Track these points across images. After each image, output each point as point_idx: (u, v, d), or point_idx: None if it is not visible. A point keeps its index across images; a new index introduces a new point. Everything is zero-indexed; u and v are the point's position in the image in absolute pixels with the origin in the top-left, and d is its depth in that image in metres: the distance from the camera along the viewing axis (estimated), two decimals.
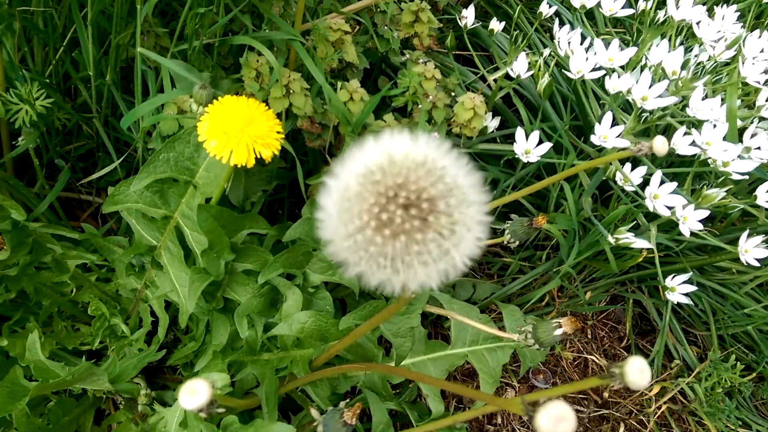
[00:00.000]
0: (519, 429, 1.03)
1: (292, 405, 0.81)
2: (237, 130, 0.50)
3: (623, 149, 0.61)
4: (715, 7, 0.92)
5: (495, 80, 0.93)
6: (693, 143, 0.71)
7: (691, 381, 1.00)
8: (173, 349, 0.82)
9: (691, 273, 0.81)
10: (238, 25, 0.86)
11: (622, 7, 0.83)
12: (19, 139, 0.74)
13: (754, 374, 1.06)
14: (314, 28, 0.82)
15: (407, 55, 0.95)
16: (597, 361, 1.10)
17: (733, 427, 0.99)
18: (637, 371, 0.37)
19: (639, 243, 0.73)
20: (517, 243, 0.73)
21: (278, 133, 0.53)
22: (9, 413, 0.54)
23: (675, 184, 0.71)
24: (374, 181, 0.28)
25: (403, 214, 0.27)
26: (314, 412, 0.53)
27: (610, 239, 0.74)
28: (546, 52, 0.84)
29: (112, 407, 0.75)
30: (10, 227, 0.68)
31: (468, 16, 0.89)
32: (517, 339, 0.66)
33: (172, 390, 0.84)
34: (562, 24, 0.89)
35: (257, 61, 0.79)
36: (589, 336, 1.14)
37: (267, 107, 0.53)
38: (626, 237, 0.73)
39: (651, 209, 0.68)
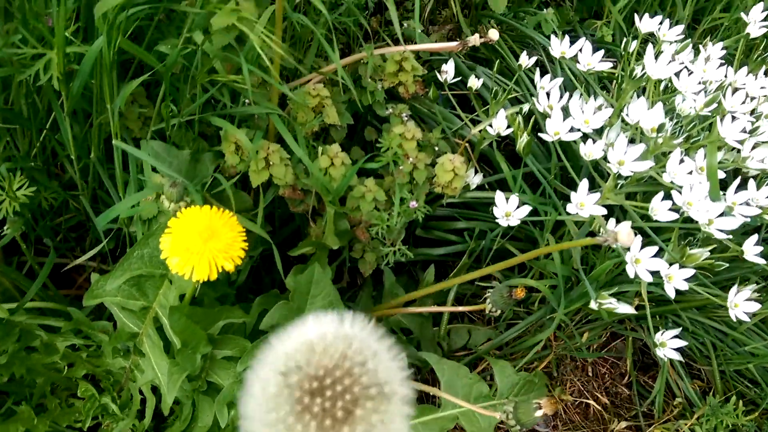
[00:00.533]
0: None
1: None
2: (198, 246, 0.50)
3: (598, 230, 0.61)
4: (700, 46, 0.91)
5: (480, 131, 0.92)
6: (673, 206, 0.70)
7: (693, 424, 0.99)
8: (163, 426, 0.84)
9: (680, 328, 0.79)
10: (219, 95, 0.87)
11: (601, 60, 0.82)
12: (5, 227, 0.76)
13: (759, 410, 1.04)
14: (291, 99, 0.82)
15: (390, 110, 0.95)
16: (599, 399, 1.09)
17: None
18: (626, 234, 0.48)
19: (622, 308, 0.73)
20: (498, 312, 0.73)
21: (243, 241, 0.53)
22: None
23: (656, 248, 0.70)
24: (289, 384, 0.28)
25: (318, 426, 0.28)
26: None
27: (593, 305, 0.74)
28: (526, 107, 0.83)
29: None
30: None
31: (448, 71, 0.89)
32: (499, 417, 0.66)
33: None
34: (543, 73, 0.88)
35: (236, 135, 0.79)
36: (590, 374, 1.13)
37: (231, 214, 0.53)
38: (609, 302, 0.72)
39: (632, 276, 0.68)
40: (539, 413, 0.61)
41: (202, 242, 0.50)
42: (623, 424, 1.04)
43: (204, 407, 0.71)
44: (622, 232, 0.51)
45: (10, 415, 0.79)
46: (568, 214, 0.69)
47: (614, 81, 0.92)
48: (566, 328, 1.04)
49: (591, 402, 1.06)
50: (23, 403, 0.75)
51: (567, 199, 0.90)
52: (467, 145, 0.98)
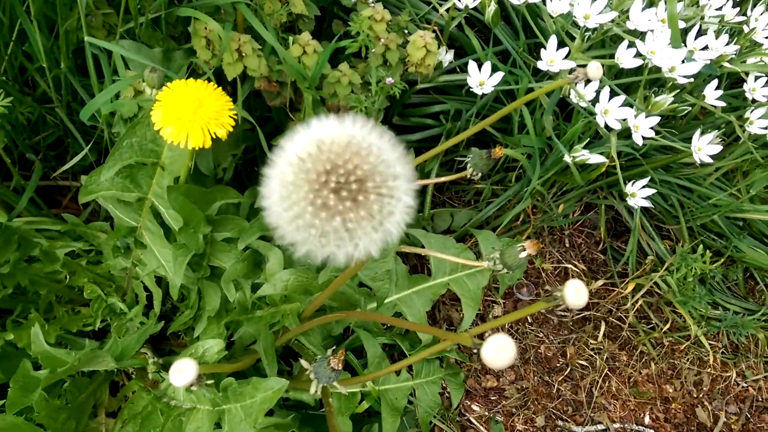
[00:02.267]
0: None
1: (293, 352, 0.87)
2: (189, 114, 0.52)
3: (568, 72, 0.63)
4: None
5: (447, 10, 0.93)
6: (637, 54, 0.73)
7: (663, 274, 1.07)
8: (172, 317, 0.87)
9: (649, 177, 0.84)
10: None
11: None
12: None
13: (724, 258, 1.12)
14: None
15: None
16: (576, 266, 1.16)
17: (704, 311, 1.07)
18: (573, 292, 0.41)
19: (594, 158, 0.77)
20: (480, 175, 0.76)
21: (231, 110, 0.55)
22: (25, 405, 0.59)
23: (624, 97, 0.73)
24: (305, 169, 0.31)
25: (335, 197, 0.31)
26: (304, 363, 0.58)
27: (567, 158, 0.78)
28: None
29: (125, 378, 0.80)
30: None
31: None
32: (487, 265, 0.71)
33: (178, 354, 0.89)
34: None
35: (206, 28, 0.79)
36: (567, 245, 1.19)
37: (216, 86, 0.55)
38: (582, 154, 0.76)
39: (602, 125, 0.71)
40: (524, 254, 0.66)
41: (192, 111, 0.52)
42: (600, 282, 1.11)
43: (209, 292, 0.75)
44: (591, 67, 0.54)
45: (19, 326, 0.82)
46: (536, 77, 0.72)
47: None
48: (543, 201, 1.09)
49: (570, 267, 1.13)
50: (33, 312, 0.77)
51: (537, 72, 0.93)
52: (436, 29, 0.99)
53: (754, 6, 0.88)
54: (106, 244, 0.75)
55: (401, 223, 0.33)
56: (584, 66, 0.54)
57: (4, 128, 0.76)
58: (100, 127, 0.79)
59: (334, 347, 0.75)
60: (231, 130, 0.54)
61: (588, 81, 0.54)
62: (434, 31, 0.97)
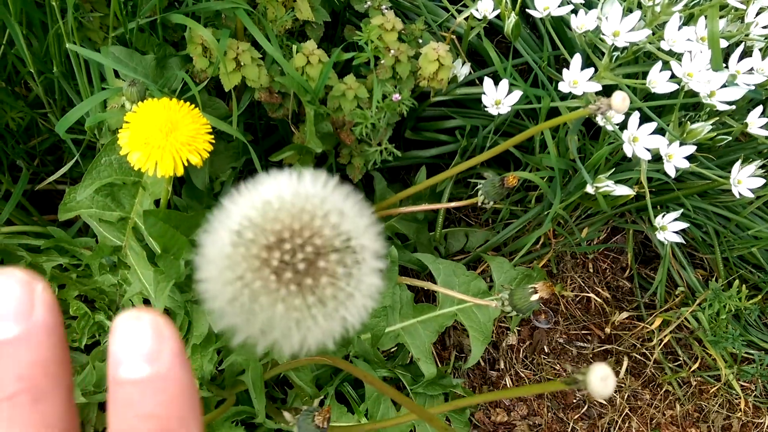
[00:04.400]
0: (522, 371, 1.03)
1: (287, 381, 0.81)
2: (159, 139, 0.46)
3: (590, 98, 0.57)
4: None
5: (466, 19, 0.87)
6: (672, 77, 0.65)
7: (695, 309, 0.98)
8: None
9: (681, 209, 0.77)
10: None
11: None
12: None
13: (762, 294, 1.03)
14: None
15: (369, 2, 0.89)
16: (600, 294, 1.09)
17: (737, 352, 0.98)
18: (599, 380, 0.35)
19: (620, 190, 0.70)
20: (492, 203, 0.70)
21: (207, 133, 0.50)
22: None
23: (654, 124, 0.66)
24: (246, 241, 0.25)
25: (277, 280, 0.25)
26: (287, 416, 0.53)
27: (590, 189, 0.70)
28: None
29: None
30: None
31: None
32: (495, 306, 0.65)
33: None
34: None
35: (201, 34, 0.74)
36: (591, 269, 1.12)
37: (193, 106, 0.49)
38: (606, 185, 0.69)
39: (629, 154, 0.64)
40: (535, 297, 0.59)
41: (162, 135, 0.47)
42: (624, 315, 1.03)
43: (198, 317, 0.70)
44: (616, 98, 0.47)
45: None
46: (560, 95, 0.65)
47: None
48: (565, 225, 1.02)
49: (592, 296, 1.06)
50: None
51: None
52: (454, 38, 0.92)
53: None
54: (91, 260, 0.71)
55: (363, 308, 0.26)
56: (608, 99, 0.47)
57: None
58: (85, 140, 0.74)
59: (323, 398, 0.70)
60: (207, 156, 0.49)
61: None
62: (452, 41, 0.91)
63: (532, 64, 0.80)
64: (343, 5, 0.94)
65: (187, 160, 0.48)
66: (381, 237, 0.28)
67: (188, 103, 0.49)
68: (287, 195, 0.26)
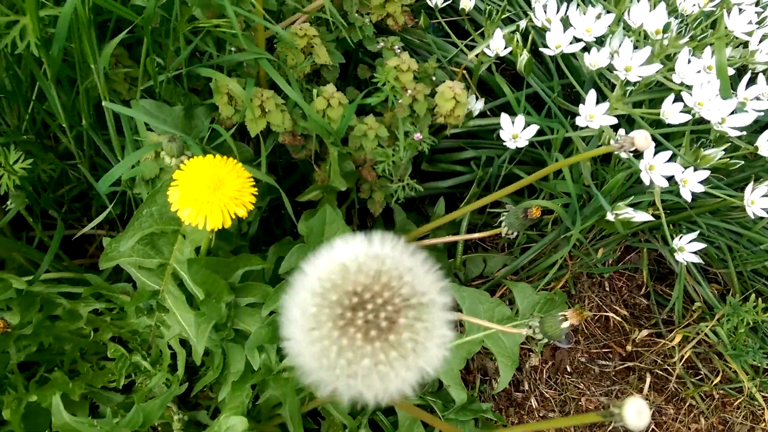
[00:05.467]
0: (547, 392, 1.05)
1: (319, 412, 0.83)
2: (207, 195, 0.49)
3: (613, 140, 0.59)
4: None
5: (477, 55, 0.90)
6: (684, 108, 0.68)
7: (713, 325, 1.00)
8: (198, 370, 0.85)
9: (698, 231, 0.79)
10: (204, 45, 0.84)
11: None
12: (8, 202, 0.75)
13: None
14: (280, 39, 0.79)
15: (382, 43, 0.92)
16: (618, 312, 1.10)
17: (759, 364, 1.00)
18: (634, 414, 0.37)
19: (640, 216, 0.72)
20: (516, 234, 0.72)
21: (252, 186, 0.52)
22: None
23: (670, 152, 0.68)
24: (329, 302, 0.28)
25: (363, 337, 0.27)
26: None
27: (610, 216, 0.73)
28: (523, 23, 0.80)
29: None
30: (15, 294, 0.69)
31: None
32: (525, 333, 0.67)
33: (205, 409, 0.87)
34: None
35: (227, 84, 0.77)
36: (607, 289, 1.14)
37: (236, 161, 0.52)
38: (625, 212, 0.72)
39: (647, 183, 0.67)
40: (566, 324, 0.62)
41: (211, 191, 0.49)
42: (644, 332, 1.05)
43: (234, 355, 0.72)
44: (639, 136, 0.50)
45: (44, 382, 0.80)
46: (575, 129, 0.68)
47: None
48: (581, 247, 1.04)
49: (610, 315, 1.07)
50: (56, 370, 0.75)
51: (573, 116, 0.88)
52: (465, 72, 0.95)
53: None
54: (129, 305, 0.73)
55: (437, 358, 0.29)
56: (631, 136, 0.50)
57: (25, 189, 0.74)
58: (120, 190, 0.77)
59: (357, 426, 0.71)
60: (252, 208, 0.51)
61: (634, 150, 0.50)
62: (463, 75, 0.94)
63: (543, 96, 0.83)
64: (355, 45, 0.98)
65: (235, 213, 0.50)
66: (446, 290, 0.30)
67: (232, 159, 0.52)
68: (362, 258, 0.29)
